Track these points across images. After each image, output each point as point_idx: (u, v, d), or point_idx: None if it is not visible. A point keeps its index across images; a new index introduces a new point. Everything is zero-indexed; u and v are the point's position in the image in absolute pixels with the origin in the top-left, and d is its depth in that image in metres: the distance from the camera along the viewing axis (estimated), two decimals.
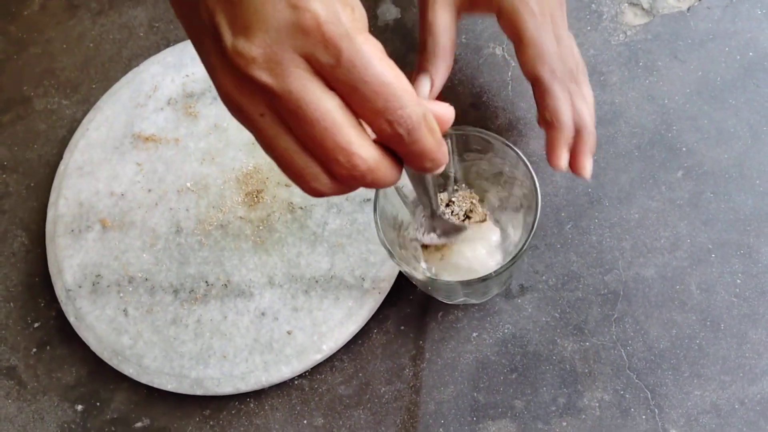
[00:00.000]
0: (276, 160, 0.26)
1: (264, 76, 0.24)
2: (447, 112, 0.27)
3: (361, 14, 0.26)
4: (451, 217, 0.42)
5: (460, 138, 0.38)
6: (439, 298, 0.45)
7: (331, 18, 0.23)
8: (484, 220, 0.42)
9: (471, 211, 0.43)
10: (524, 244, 0.34)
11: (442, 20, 0.41)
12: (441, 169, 0.27)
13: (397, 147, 0.25)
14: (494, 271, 0.34)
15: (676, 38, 0.51)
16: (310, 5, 0.23)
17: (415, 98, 0.25)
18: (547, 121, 0.39)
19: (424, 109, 0.25)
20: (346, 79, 0.24)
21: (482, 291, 0.41)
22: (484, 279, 0.34)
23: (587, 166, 0.40)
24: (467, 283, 0.35)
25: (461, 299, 0.43)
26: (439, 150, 0.26)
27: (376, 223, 0.36)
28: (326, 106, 0.24)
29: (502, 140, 0.36)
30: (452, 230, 0.41)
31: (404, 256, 0.40)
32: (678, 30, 0.52)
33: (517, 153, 0.36)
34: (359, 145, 0.25)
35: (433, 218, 0.39)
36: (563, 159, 0.39)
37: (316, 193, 0.27)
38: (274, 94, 0.24)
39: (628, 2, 0.54)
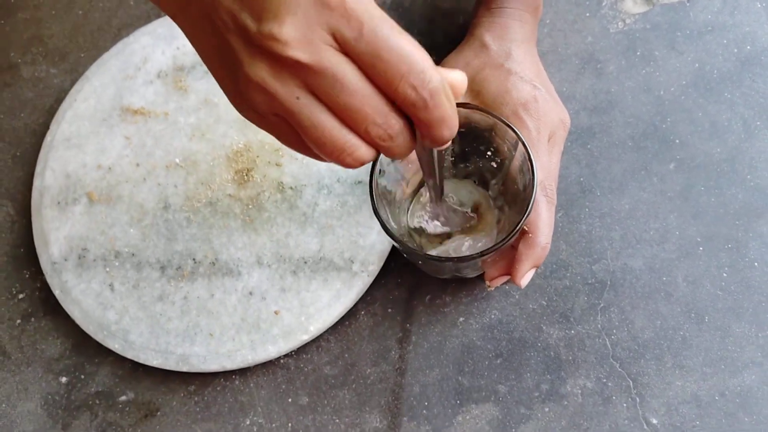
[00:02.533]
0: (315, 140, 0.27)
1: (302, 55, 0.25)
2: (460, 78, 0.28)
3: None
4: (456, 206, 0.41)
5: (462, 113, 0.38)
6: (430, 273, 0.45)
7: None
8: (487, 218, 0.42)
9: (479, 205, 0.42)
10: (518, 225, 0.34)
11: None
12: (449, 144, 0.28)
13: (419, 113, 0.26)
14: (488, 248, 0.34)
15: (674, 29, 0.51)
16: None
17: (433, 64, 0.26)
18: (523, 231, 0.39)
19: (442, 75, 0.26)
20: (369, 50, 0.25)
21: (472, 267, 0.41)
22: (473, 257, 0.34)
23: (527, 276, 0.39)
24: (460, 259, 0.35)
25: (451, 274, 0.43)
26: (455, 117, 0.27)
27: (372, 197, 0.36)
28: (358, 77, 0.25)
29: (503, 120, 0.36)
30: (457, 218, 0.40)
31: (398, 231, 0.40)
32: (677, 20, 0.51)
33: (516, 133, 0.35)
34: (390, 108, 0.26)
35: (438, 204, 0.38)
36: (527, 277, 0.39)
37: (359, 162, 0.28)
38: (311, 72, 0.25)
39: None
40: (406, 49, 0.25)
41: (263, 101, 0.26)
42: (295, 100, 0.26)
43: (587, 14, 0.52)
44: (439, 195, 0.37)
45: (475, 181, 0.43)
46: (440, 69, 0.27)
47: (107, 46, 0.56)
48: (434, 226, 0.41)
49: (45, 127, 0.54)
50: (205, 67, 0.52)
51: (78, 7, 0.59)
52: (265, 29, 0.25)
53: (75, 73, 0.56)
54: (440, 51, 0.51)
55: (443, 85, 0.26)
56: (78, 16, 0.59)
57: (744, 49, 0.50)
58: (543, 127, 0.40)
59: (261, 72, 0.25)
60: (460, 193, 0.43)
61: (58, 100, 0.55)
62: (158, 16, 0.57)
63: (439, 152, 0.32)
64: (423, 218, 0.40)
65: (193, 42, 0.29)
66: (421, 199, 0.43)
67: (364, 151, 0.27)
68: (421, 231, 0.43)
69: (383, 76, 0.25)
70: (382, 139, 0.27)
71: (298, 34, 0.24)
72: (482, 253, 0.34)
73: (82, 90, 0.53)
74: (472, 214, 0.42)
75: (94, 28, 0.58)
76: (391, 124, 0.26)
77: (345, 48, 0.25)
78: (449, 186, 0.43)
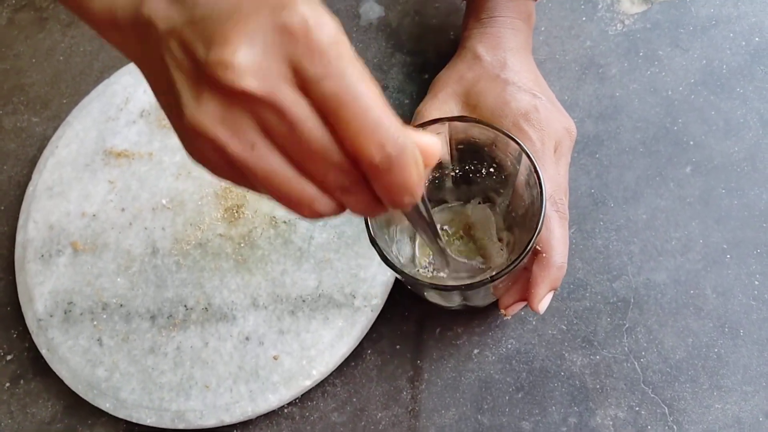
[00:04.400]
0: (271, 191, 0.24)
1: (254, 85, 0.21)
2: (433, 143, 0.24)
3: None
4: (461, 258, 0.38)
5: (460, 129, 0.35)
6: (438, 304, 0.43)
7: (319, 23, 0.21)
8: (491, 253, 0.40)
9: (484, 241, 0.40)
10: (529, 243, 0.31)
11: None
12: (411, 206, 0.25)
13: (380, 176, 0.23)
14: (498, 272, 0.31)
15: (676, 26, 0.49)
16: (297, 7, 0.21)
17: (401, 126, 0.23)
18: (536, 251, 0.36)
19: (411, 139, 0.23)
20: (332, 94, 0.22)
21: (482, 294, 0.38)
22: (484, 282, 0.31)
23: (545, 300, 0.36)
24: (468, 287, 0.32)
25: (459, 304, 0.40)
26: (420, 185, 0.24)
27: (366, 224, 0.33)
28: (316, 122, 0.22)
29: (504, 131, 0.33)
30: (464, 269, 0.38)
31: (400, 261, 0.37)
32: (678, 17, 0.49)
33: (519, 144, 0.33)
34: (350, 162, 0.23)
35: (442, 255, 0.36)
36: (545, 302, 0.36)
37: (318, 215, 0.25)
38: (264, 107, 0.22)
39: None
40: (375, 100, 0.22)
41: (211, 150, 0.23)
42: (249, 149, 0.22)
43: (583, 18, 0.50)
44: (438, 249, 0.34)
45: (479, 202, 0.41)
46: (410, 131, 0.23)
47: (89, 90, 0.54)
48: (437, 277, 0.38)
49: (29, 178, 0.52)
50: None
51: (59, 53, 0.57)
52: (215, 56, 0.21)
53: (58, 120, 0.55)
54: (432, 68, 0.49)
55: (411, 148, 0.23)
56: (59, 62, 0.57)
57: (752, 40, 0.47)
58: (547, 137, 0.37)
59: (207, 116, 0.22)
60: (462, 218, 0.40)
61: (41, 149, 0.53)
62: None
63: (425, 203, 0.29)
64: (428, 269, 0.38)
65: (150, 83, 0.26)
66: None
67: (324, 203, 0.24)
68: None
69: (345, 127, 0.22)
70: (343, 191, 0.24)
71: (253, 62, 0.21)
72: (492, 279, 0.31)
73: (63, 136, 0.51)
74: (480, 265, 0.38)
75: (75, 73, 0.56)
76: (353, 177, 0.23)
77: (305, 86, 0.22)
78: (451, 214, 0.40)
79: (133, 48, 0.26)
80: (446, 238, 0.41)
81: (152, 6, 0.23)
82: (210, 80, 0.21)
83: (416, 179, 0.23)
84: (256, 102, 0.21)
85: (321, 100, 0.22)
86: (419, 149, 0.23)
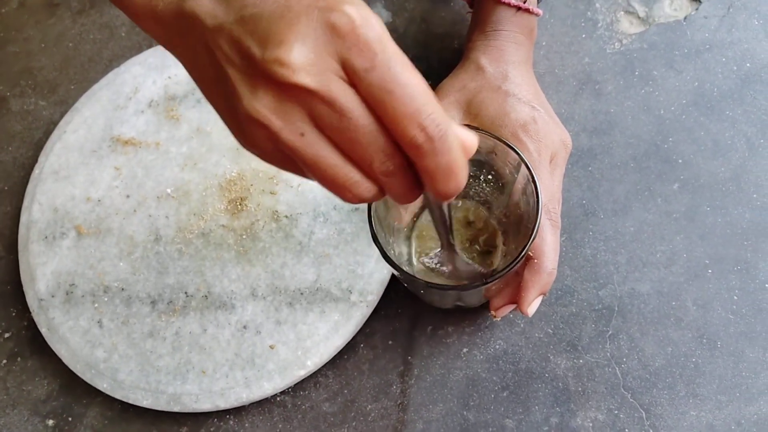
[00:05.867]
0: (318, 176, 0.26)
1: (310, 82, 0.23)
2: (471, 138, 0.26)
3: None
4: (467, 260, 0.40)
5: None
6: (431, 303, 0.44)
7: (364, 22, 0.23)
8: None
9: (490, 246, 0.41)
10: (524, 249, 0.33)
11: None
12: (453, 198, 0.26)
13: (424, 158, 0.25)
14: (492, 275, 0.33)
15: (672, 48, 0.50)
16: (344, 8, 0.23)
17: (444, 111, 0.25)
18: (528, 257, 0.38)
19: (453, 125, 0.25)
20: (379, 83, 0.23)
21: (476, 295, 0.39)
22: (478, 284, 0.33)
23: (534, 304, 0.38)
24: (463, 288, 0.34)
25: (452, 304, 0.42)
26: (464, 170, 0.25)
27: (370, 221, 0.34)
28: (364, 112, 0.24)
29: (504, 141, 0.35)
30: (465, 271, 0.39)
31: (398, 258, 0.38)
32: (674, 39, 0.51)
33: (518, 154, 0.34)
34: (396, 147, 0.25)
35: (449, 252, 0.37)
36: (534, 305, 0.37)
37: (360, 199, 0.26)
38: (318, 100, 0.24)
39: (623, 10, 0.53)
40: (419, 88, 0.23)
41: (264, 137, 0.25)
42: (299, 137, 0.24)
43: (583, 35, 0.52)
44: (447, 244, 0.36)
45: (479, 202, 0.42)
46: (453, 122, 0.25)
47: (98, 78, 0.55)
48: (441, 270, 0.39)
49: (34, 161, 0.53)
50: (197, 96, 0.51)
51: (68, 39, 0.58)
52: (271, 54, 0.23)
53: (65, 105, 0.55)
54: (435, 76, 0.50)
55: (454, 133, 0.24)
56: (68, 48, 0.58)
57: (743, 66, 0.49)
58: (543, 148, 0.39)
59: (262, 107, 0.24)
60: (460, 212, 0.42)
61: (47, 133, 0.54)
62: (149, 46, 0.56)
63: (449, 205, 0.31)
64: (432, 261, 0.39)
65: (192, 74, 0.28)
66: (424, 232, 0.42)
67: (367, 187, 0.26)
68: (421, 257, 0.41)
69: (391, 113, 0.24)
70: (386, 175, 0.25)
71: (306, 60, 0.23)
72: (486, 281, 0.33)
73: (71, 121, 0.52)
74: (482, 270, 0.40)
75: (84, 60, 0.57)
76: (396, 162, 0.25)
77: (354, 79, 0.24)
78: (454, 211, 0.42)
79: (173, 40, 0.27)
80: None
81: (197, 2, 0.25)
82: (266, 76, 0.23)
83: (460, 163, 0.25)
84: (309, 95, 0.23)
85: (368, 90, 0.24)
86: (460, 140, 0.25)
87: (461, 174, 0.25)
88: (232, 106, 0.25)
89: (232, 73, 0.24)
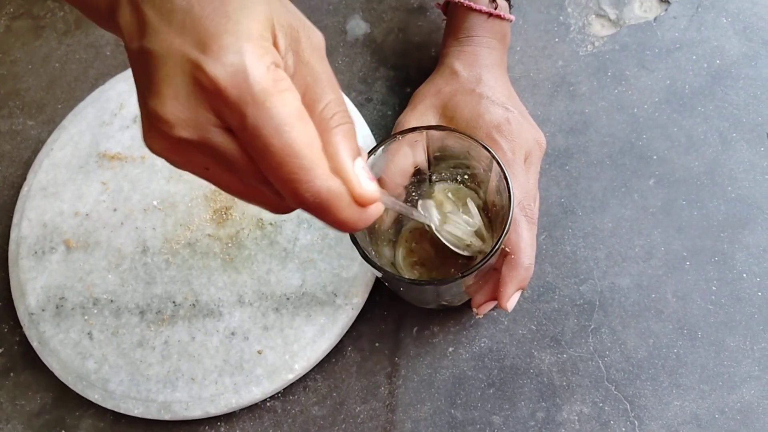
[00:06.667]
0: (238, 197, 0.26)
1: (187, 135, 0.23)
2: (369, 190, 0.25)
3: (315, 41, 0.25)
4: (454, 216, 0.40)
5: (437, 137, 0.37)
6: (414, 302, 0.44)
7: (232, 79, 0.22)
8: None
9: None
10: (497, 242, 0.34)
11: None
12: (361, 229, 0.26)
13: (316, 215, 0.24)
14: (468, 269, 0.33)
15: (643, 48, 0.52)
16: (207, 67, 0.22)
17: (327, 171, 0.23)
18: (505, 252, 0.38)
19: (338, 182, 0.24)
20: (252, 142, 0.23)
21: (455, 291, 0.40)
22: (455, 278, 0.34)
23: (513, 299, 0.38)
24: (441, 281, 0.34)
25: (434, 303, 0.42)
26: (360, 219, 0.24)
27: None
28: (250, 163, 0.24)
29: (476, 139, 0.36)
30: (455, 225, 0.39)
31: (378, 256, 0.39)
32: (645, 40, 0.52)
33: (489, 151, 0.35)
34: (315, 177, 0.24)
35: (430, 219, 0.38)
36: (513, 300, 0.38)
37: (286, 212, 0.27)
38: (205, 148, 0.24)
39: (595, 14, 0.54)
40: (296, 150, 0.22)
41: (178, 164, 0.25)
42: (204, 170, 0.25)
43: (556, 39, 0.53)
44: (419, 220, 0.36)
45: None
46: (344, 170, 0.24)
47: (84, 96, 0.56)
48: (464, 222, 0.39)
49: (22, 179, 0.54)
50: None
51: (54, 60, 0.59)
52: (152, 106, 0.23)
53: (52, 124, 0.56)
54: (414, 83, 0.51)
55: (335, 192, 0.23)
56: (55, 68, 0.59)
57: (714, 63, 0.51)
58: (518, 148, 0.40)
59: (160, 148, 0.24)
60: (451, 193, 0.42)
61: (36, 152, 0.55)
62: None
63: (393, 201, 0.31)
64: (458, 224, 0.39)
65: None
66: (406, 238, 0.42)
67: (284, 206, 0.26)
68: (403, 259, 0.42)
69: (270, 175, 0.23)
70: (294, 201, 0.24)
71: (180, 116, 0.23)
72: (463, 274, 0.33)
73: (58, 139, 0.53)
74: (469, 221, 0.40)
75: (71, 80, 0.58)
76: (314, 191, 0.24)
77: (232, 131, 0.23)
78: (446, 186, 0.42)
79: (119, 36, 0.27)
80: (450, 207, 0.41)
81: (122, 13, 0.25)
82: (156, 127, 0.23)
83: (347, 216, 0.24)
84: (193, 145, 0.23)
85: (246, 144, 0.23)
86: (353, 194, 0.24)
87: (352, 222, 0.24)
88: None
89: (139, 101, 0.24)
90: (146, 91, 0.23)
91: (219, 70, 0.22)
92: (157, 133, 0.24)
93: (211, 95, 0.22)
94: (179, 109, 0.23)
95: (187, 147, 0.24)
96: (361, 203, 0.24)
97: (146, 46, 0.23)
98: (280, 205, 0.26)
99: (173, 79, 0.22)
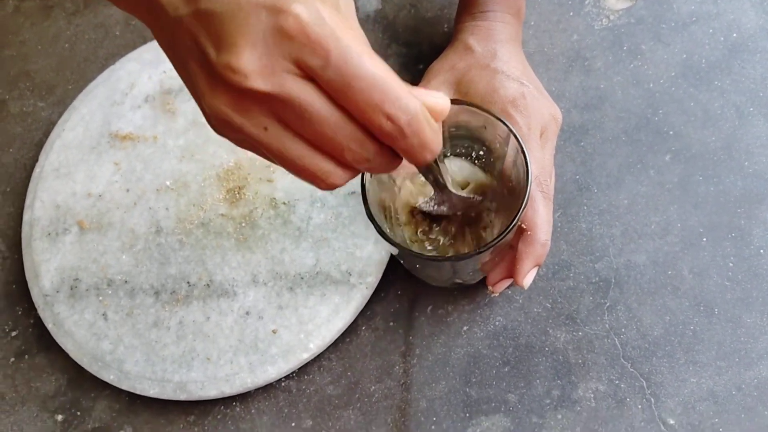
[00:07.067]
0: (288, 167, 0.26)
1: (263, 86, 0.23)
2: (441, 101, 0.26)
3: (347, 6, 0.26)
4: (462, 192, 0.40)
5: (452, 112, 0.37)
6: (429, 281, 0.44)
7: (314, 19, 0.23)
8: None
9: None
10: (515, 218, 0.33)
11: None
12: (432, 160, 0.27)
13: (396, 143, 0.25)
14: (485, 245, 0.33)
15: (659, 21, 0.51)
16: (291, 8, 0.23)
17: (408, 91, 0.24)
18: (521, 229, 0.38)
19: (419, 101, 0.25)
20: (338, 79, 0.23)
21: (471, 268, 0.39)
22: (472, 254, 0.33)
23: (529, 276, 0.38)
24: (458, 258, 0.34)
25: (449, 280, 0.42)
26: (437, 140, 0.26)
27: (364, 199, 0.35)
28: (327, 105, 0.24)
29: (493, 114, 0.35)
30: (462, 204, 0.39)
31: (393, 235, 0.38)
32: (661, 13, 0.51)
33: (507, 126, 0.35)
34: (365, 134, 0.25)
35: (443, 192, 0.37)
36: (529, 277, 0.38)
37: (333, 187, 0.27)
38: (276, 101, 0.24)
39: None
40: (379, 77, 0.23)
41: (229, 132, 0.25)
42: (262, 131, 0.25)
43: (571, 13, 0.52)
44: (441, 187, 0.36)
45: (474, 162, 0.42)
46: (419, 91, 0.25)
47: (94, 77, 0.56)
48: (440, 211, 0.39)
49: (34, 161, 0.54)
50: None
51: (64, 40, 0.59)
52: (223, 59, 0.23)
53: (63, 105, 0.56)
54: (426, 59, 0.51)
55: (421, 110, 0.24)
56: (64, 49, 0.59)
57: (730, 36, 0.50)
58: (533, 123, 0.39)
59: (222, 105, 0.24)
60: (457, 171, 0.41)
61: (47, 133, 0.55)
62: (144, 43, 0.57)
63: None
64: (429, 204, 0.39)
65: (166, 54, 0.28)
66: (418, 179, 0.41)
67: (339, 176, 0.26)
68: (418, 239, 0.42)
69: (355, 105, 0.24)
70: (359, 162, 0.25)
71: (257, 65, 0.23)
72: (479, 251, 0.33)
73: (69, 119, 0.52)
74: (477, 198, 0.40)
75: (80, 60, 0.58)
76: (367, 148, 0.25)
77: (312, 75, 0.24)
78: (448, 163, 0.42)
79: (146, 19, 0.27)
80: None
81: None
82: (222, 80, 0.24)
83: (431, 137, 0.25)
84: (265, 97, 0.24)
85: (329, 85, 0.24)
86: (429, 108, 0.25)
87: (434, 146, 0.26)
88: (197, 98, 0.25)
89: (193, 68, 0.25)
90: (211, 48, 0.23)
91: (301, 10, 0.23)
92: (224, 90, 0.24)
93: (294, 39, 0.23)
94: (257, 57, 0.23)
95: (254, 102, 0.24)
96: (437, 116, 0.26)
97: (205, 6, 0.23)
98: (331, 174, 0.26)
99: (250, 28, 0.23)
